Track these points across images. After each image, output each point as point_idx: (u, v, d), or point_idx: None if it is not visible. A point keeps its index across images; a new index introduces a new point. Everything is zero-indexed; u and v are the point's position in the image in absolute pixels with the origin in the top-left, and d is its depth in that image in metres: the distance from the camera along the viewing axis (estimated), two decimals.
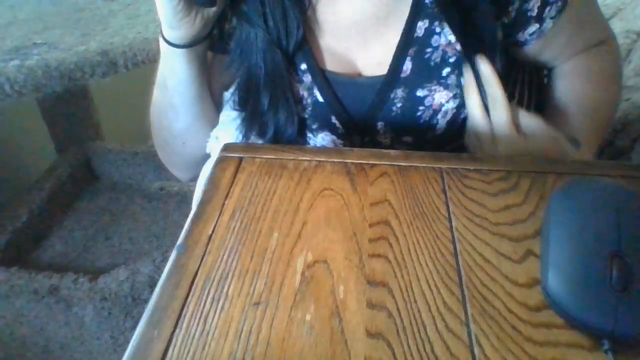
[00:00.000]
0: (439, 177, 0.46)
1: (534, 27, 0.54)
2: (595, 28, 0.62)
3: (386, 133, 0.58)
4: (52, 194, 1.29)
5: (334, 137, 0.60)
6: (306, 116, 0.59)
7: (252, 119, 0.59)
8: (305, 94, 0.58)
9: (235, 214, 0.42)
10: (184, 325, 0.34)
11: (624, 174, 0.46)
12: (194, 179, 0.67)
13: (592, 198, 0.38)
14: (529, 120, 0.52)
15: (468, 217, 0.41)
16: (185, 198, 1.37)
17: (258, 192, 0.45)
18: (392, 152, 0.49)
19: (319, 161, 0.48)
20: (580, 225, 0.36)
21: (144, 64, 0.95)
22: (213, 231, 0.41)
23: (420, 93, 0.56)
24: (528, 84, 0.66)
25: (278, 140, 0.59)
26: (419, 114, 0.56)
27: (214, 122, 0.63)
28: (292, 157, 0.48)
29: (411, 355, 0.32)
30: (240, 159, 0.49)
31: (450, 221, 0.41)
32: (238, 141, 0.59)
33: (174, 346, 0.33)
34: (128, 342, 0.33)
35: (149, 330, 0.34)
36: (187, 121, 0.62)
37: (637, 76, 0.83)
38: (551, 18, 0.53)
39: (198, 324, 0.34)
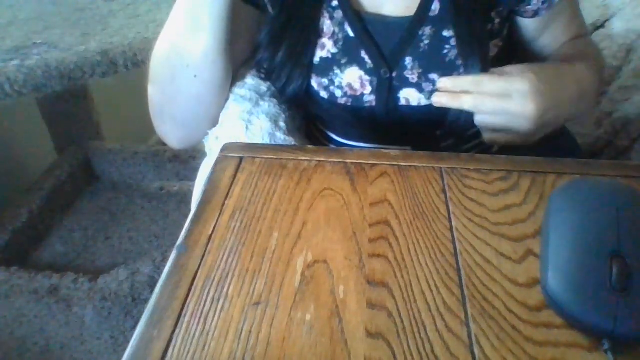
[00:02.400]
0: (439, 177, 0.46)
1: None
2: (581, 20, 0.67)
3: (414, 69, 0.60)
4: (52, 194, 1.29)
5: (362, 73, 0.61)
6: (336, 51, 0.61)
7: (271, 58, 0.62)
8: (337, 29, 0.60)
9: (235, 214, 0.42)
10: (184, 325, 0.34)
11: (624, 174, 0.46)
12: (184, 145, 0.65)
13: (592, 198, 0.38)
14: (519, 84, 0.53)
15: (468, 217, 0.41)
16: (185, 198, 1.37)
17: (258, 192, 0.45)
18: (392, 152, 0.49)
19: (319, 161, 0.48)
20: (580, 225, 0.36)
21: (144, 64, 0.94)
22: (213, 231, 0.41)
23: (446, 33, 0.58)
24: None
25: (284, 92, 0.62)
26: (445, 52, 0.59)
27: (231, 66, 0.62)
28: (292, 157, 0.48)
29: (411, 355, 0.32)
30: (240, 159, 0.49)
31: (450, 221, 0.41)
32: (243, 130, 0.58)
33: (174, 346, 0.33)
34: (128, 342, 0.33)
35: (149, 330, 0.34)
36: (208, 42, 0.58)
37: (637, 76, 0.83)
38: None
39: (198, 324, 0.34)
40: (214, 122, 0.61)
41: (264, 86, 0.64)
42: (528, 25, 0.63)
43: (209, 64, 0.59)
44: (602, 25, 0.94)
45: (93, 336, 1.04)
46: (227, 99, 0.62)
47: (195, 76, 0.59)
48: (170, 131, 0.65)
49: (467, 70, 0.58)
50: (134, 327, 0.34)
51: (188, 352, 0.32)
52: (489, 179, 0.45)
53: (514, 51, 0.67)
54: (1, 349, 1.05)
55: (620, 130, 0.80)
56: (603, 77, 0.69)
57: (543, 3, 0.59)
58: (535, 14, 0.60)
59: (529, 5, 0.59)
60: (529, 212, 0.42)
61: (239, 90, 0.63)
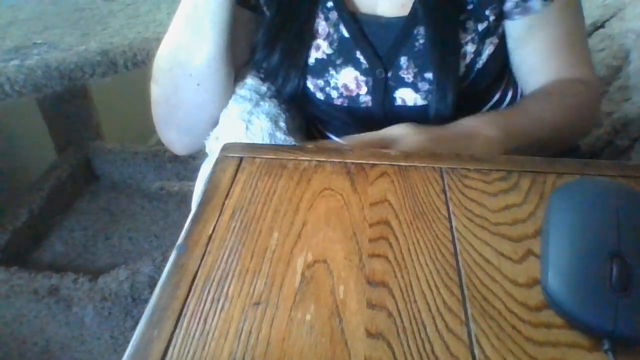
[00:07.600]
0: (439, 177, 0.46)
1: None
2: (581, 58, 0.62)
3: (409, 68, 0.60)
4: (52, 194, 1.29)
5: (357, 74, 0.61)
6: (331, 52, 0.61)
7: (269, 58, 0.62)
8: (331, 30, 0.61)
9: (235, 214, 0.42)
10: (184, 325, 0.34)
11: (624, 174, 0.46)
12: (189, 150, 0.65)
13: (592, 198, 0.38)
14: (395, 129, 0.54)
15: (468, 217, 0.41)
16: (185, 198, 1.37)
17: (258, 192, 0.44)
18: (392, 152, 0.49)
19: (319, 161, 0.48)
20: (580, 225, 0.36)
21: (144, 64, 0.95)
22: (213, 231, 0.41)
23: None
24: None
25: (282, 93, 0.62)
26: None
27: (232, 72, 0.62)
28: (292, 157, 0.48)
29: (411, 355, 0.32)
30: (240, 159, 0.49)
31: (450, 221, 0.41)
32: (243, 130, 0.58)
33: (174, 346, 0.33)
34: (128, 342, 0.33)
35: (149, 330, 0.34)
36: (210, 52, 0.58)
37: (637, 76, 0.83)
38: None
39: (198, 324, 0.34)
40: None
41: (264, 86, 0.64)
42: (511, 31, 0.61)
43: (212, 73, 0.59)
44: (602, 25, 0.94)
45: (93, 336, 1.04)
46: None
47: (198, 85, 0.60)
48: (176, 139, 0.66)
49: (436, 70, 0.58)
50: (134, 327, 0.34)
51: (188, 352, 0.32)
52: (489, 179, 0.45)
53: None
54: (1, 349, 1.05)
55: (620, 130, 0.80)
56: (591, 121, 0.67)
57: (516, 7, 0.58)
58: (508, 15, 0.59)
59: (503, 5, 0.58)
60: (529, 212, 0.42)
61: (239, 90, 0.63)
